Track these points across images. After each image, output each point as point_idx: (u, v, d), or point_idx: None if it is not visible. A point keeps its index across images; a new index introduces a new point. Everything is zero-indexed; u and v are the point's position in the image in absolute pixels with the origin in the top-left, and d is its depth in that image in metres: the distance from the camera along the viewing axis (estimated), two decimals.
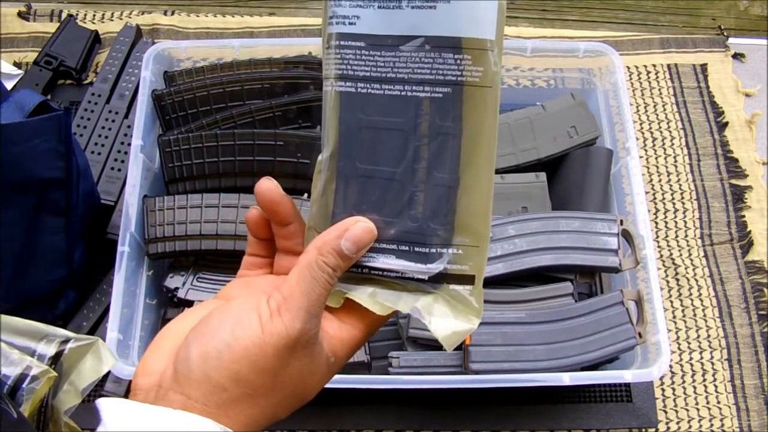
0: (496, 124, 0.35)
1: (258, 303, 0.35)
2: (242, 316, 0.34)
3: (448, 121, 0.35)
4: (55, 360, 0.55)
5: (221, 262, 0.77)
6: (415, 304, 0.37)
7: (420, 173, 0.36)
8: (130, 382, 0.72)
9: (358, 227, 0.36)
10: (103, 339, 0.60)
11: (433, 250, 0.36)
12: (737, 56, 1.01)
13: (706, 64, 1.00)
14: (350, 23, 0.36)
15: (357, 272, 0.38)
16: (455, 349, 0.70)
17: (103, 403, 0.34)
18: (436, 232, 0.36)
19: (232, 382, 0.34)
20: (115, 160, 0.86)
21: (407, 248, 0.37)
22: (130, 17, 1.00)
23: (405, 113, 0.35)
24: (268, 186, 0.38)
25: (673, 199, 0.92)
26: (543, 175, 0.80)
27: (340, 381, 0.67)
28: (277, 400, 0.36)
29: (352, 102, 0.36)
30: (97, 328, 0.79)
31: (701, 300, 0.86)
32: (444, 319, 0.37)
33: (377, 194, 0.37)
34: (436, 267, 0.37)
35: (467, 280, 0.37)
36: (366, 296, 0.37)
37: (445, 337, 0.36)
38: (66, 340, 0.56)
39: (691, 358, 0.83)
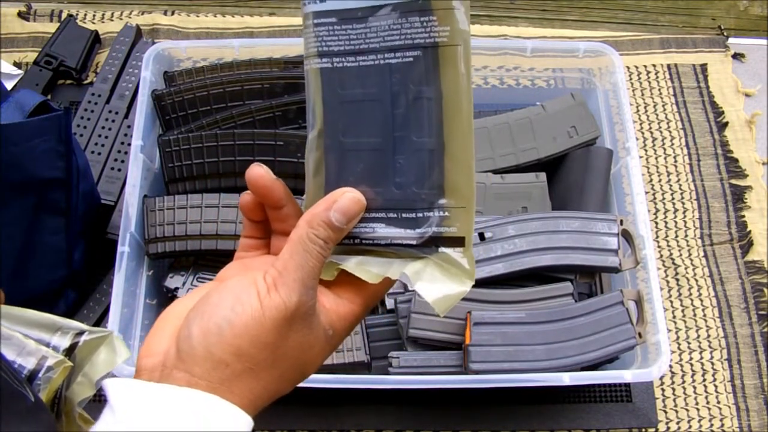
0: (469, 83, 0.35)
1: (255, 279, 0.36)
2: (241, 293, 0.35)
3: (421, 85, 0.35)
4: (70, 352, 0.56)
5: (221, 262, 0.76)
6: (403, 269, 0.37)
7: (400, 140, 0.36)
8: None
9: (346, 198, 0.36)
10: None
11: (420, 215, 0.37)
12: (737, 56, 1.01)
13: (706, 64, 1.00)
14: (321, 1, 0.36)
15: (350, 244, 0.38)
16: (455, 349, 0.70)
17: (109, 384, 0.34)
18: (421, 196, 0.36)
19: (234, 358, 0.34)
20: (115, 160, 0.86)
21: (395, 215, 0.37)
22: (130, 17, 1.00)
23: (380, 82, 0.36)
24: (258, 172, 0.38)
25: (673, 199, 0.92)
26: (543, 175, 0.80)
27: (340, 381, 0.67)
28: (278, 374, 0.36)
29: (331, 78, 0.37)
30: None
31: (701, 300, 0.86)
32: (434, 283, 0.37)
33: (362, 165, 0.37)
34: (424, 231, 0.37)
35: (457, 242, 0.37)
36: (355, 265, 0.37)
37: (437, 300, 0.36)
38: (80, 333, 0.57)
39: (691, 358, 0.83)
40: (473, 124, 0.36)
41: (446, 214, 0.36)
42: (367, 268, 0.37)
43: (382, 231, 0.37)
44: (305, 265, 0.35)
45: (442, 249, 0.37)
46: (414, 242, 0.37)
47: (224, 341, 0.34)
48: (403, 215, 0.37)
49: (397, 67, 0.35)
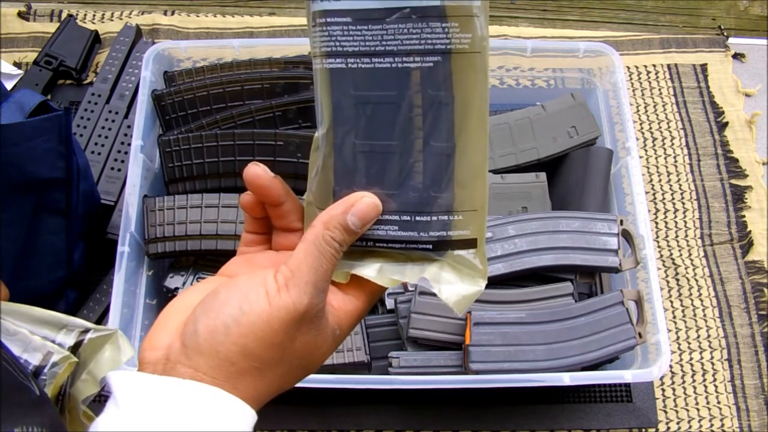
0: (487, 89, 0.36)
1: (265, 278, 0.35)
2: (249, 291, 0.35)
3: (440, 90, 0.35)
4: (75, 350, 0.56)
5: (221, 262, 0.76)
6: (422, 274, 0.37)
7: (417, 144, 0.36)
8: None
9: (364, 203, 0.36)
10: None
11: (435, 218, 0.37)
12: (737, 56, 1.01)
13: (706, 64, 1.00)
14: None
15: (361, 245, 0.38)
16: (455, 349, 0.70)
17: (113, 376, 0.34)
18: (437, 200, 0.37)
19: (240, 356, 0.34)
20: (115, 160, 0.86)
21: (409, 218, 0.37)
22: (130, 17, 1.00)
23: (397, 85, 0.36)
24: (255, 171, 0.38)
25: (673, 199, 0.92)
26: (543, 175, 0.80)
27: (340, 381, 0.67)
28: (283, 372, 0.36)
29: (343, 78, 0.36)
30: None
31: (701, 300, 0.86)
32: (452, 285, 0.37)
33: (376, 168, 0.37)
34: (439, 234, 0.37)
35: (470, 243, 0.37)
36: (373, 271, 0.38)
37: (456, 302, 0.37)
38: (85, 330, 0.57)
39: (691, 358, 0.83)
40: (488, 129, 0.36)
41: (460, 217, 0.37)
42: (384, 274, 0.38)
43: (396, 234, 0.37)
44: (319, 268, 0.35)
45: (457, 252, 0.37)
46: (430, 246, 0.37)
47: (230, 340, 0.34)
48: (417, 218, 0.37)
49: (416, 72, 0.35)
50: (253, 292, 0.35)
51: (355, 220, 0.36)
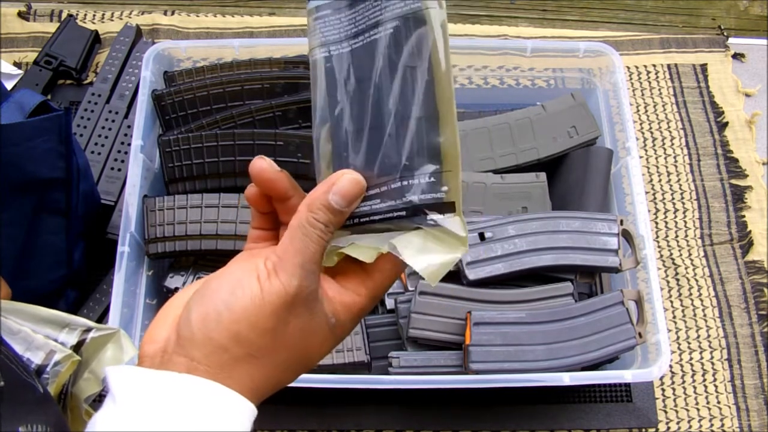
0: (447, 46, 0.35)
1: (256, 265, 0.35)
2: (241, 278, 0.35)
3: (401, 54, 0.36)
4: (77, 349, 0.56)
5: (221, 262, 0.76)
6: (391, 240, 0.36)
7: (389, 113, 0.36)
8: None
9: (345, 180, 0.36)
10: None
11: (406, 182, 0.36)
12: (737, 56, 1.01)
13: (706, 64, 1.00)
14: None
15: (351, 224, 0.38)
16: (455, 349, 0.70)
17: (111, 371, 0.34)
18: (405, 164, 0.36)
19: (233, 342, 0.34)
20: (115, 160, 0.86)
21: (387, 188, 0.37)
22: (130, 17, 1.00)
23: (369, 61, 0.37)
24: (261, 166, 0.38)
25: (673, 199, 0.92)
26: (543, 175, 0.80)
27: (340, 381, 0.67)
28: (280, 362, 0.36)
29: (330, 67, 0.38)
30: None
31: (701, 300, 0.86)
32: (425, 252, 0.35)
33: (361, 145, 0.37)
34: (410, 198, 0.36)
35: (447, 207, 0.35)
36: (349, 245, 0.37)
37: (427, 268, 0.35)
38: (88, 329, 0.57)
39: (691, 358, 0.83)
40: (453, 87, 0.35)
41: (432, 179, 0.35)
42: (361, 247, 0.37)
43: (378, 206, 0.37)
44: (305, 250, 0.35)
45: (432, 216, 0.36)
46: (404, 213, 0.36)
47: (223, 326, 0.34)
48: (392, 186, 0.36)
49: (381, 41, 0.36)
50: (245, 278, 0.35)
51: (337, 199, 0.36)
